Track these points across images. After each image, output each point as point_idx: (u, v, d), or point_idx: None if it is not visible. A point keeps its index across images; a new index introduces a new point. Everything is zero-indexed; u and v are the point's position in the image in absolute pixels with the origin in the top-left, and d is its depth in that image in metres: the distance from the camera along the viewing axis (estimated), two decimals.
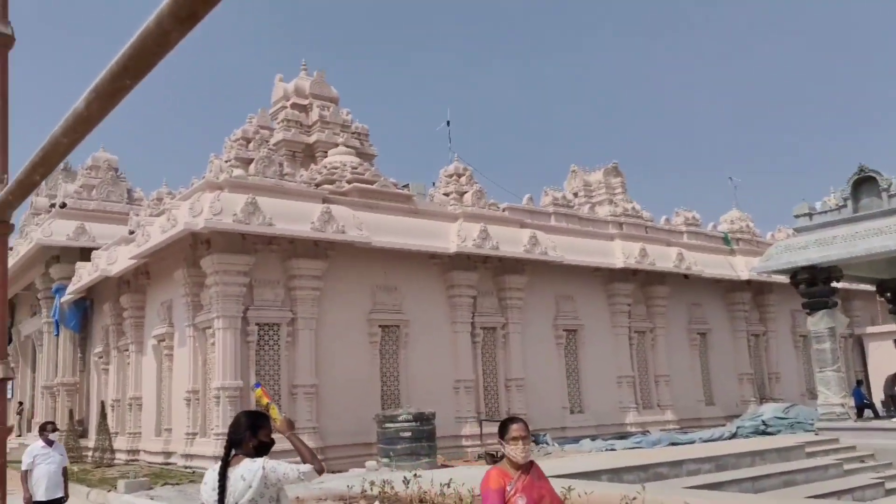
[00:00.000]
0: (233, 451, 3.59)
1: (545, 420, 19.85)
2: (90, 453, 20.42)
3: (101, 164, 26.26)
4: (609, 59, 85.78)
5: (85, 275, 21.24)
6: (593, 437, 20.64)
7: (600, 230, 22.66)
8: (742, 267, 25.28)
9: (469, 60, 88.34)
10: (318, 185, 18.66)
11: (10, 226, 3.26)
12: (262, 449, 3.57)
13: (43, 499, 8.64)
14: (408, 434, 15.46)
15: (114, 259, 19.94)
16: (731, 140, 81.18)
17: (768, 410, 22.44)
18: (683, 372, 24.03)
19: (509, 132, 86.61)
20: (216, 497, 3.44)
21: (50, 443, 8.90)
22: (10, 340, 33.06)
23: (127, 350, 20.79)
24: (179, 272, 17.17)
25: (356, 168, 19.48)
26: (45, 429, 8.99)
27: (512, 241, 19.60)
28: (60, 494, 8.83)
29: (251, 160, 17.38)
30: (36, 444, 8.93)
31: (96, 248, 22.77)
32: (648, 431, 22.08)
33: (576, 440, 20.24)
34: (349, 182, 18.68)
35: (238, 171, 16.51)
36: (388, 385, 18.13)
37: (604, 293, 22.55)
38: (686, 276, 24.11)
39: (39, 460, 8.69)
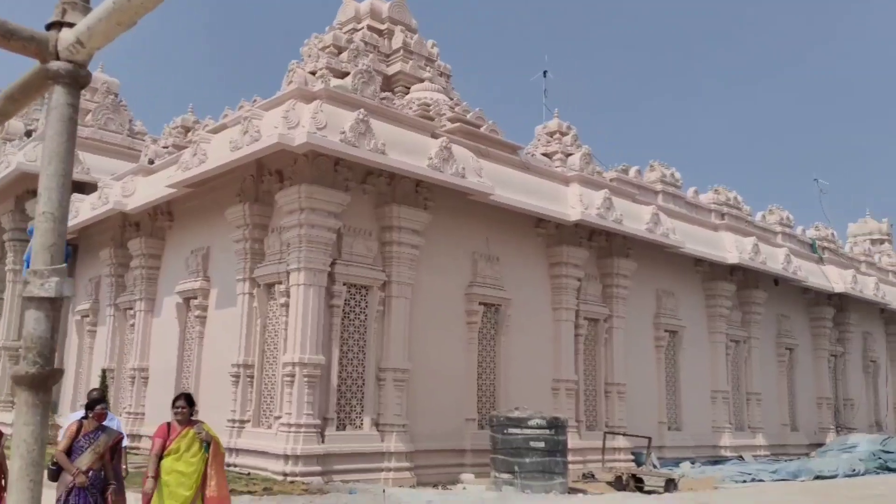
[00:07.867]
0: None
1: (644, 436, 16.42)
2: None
3: (100, 86, 21.66)
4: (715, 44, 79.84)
5: (85, 209, 16.75)
6: (692, 461, 17.41)
7: (703, 218, 19.45)
8: (836, 278, 22.50)
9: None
10: None
11: None
12: None
13: None
14: (540, 445, 11.83)
15: (131, 191, 15.60)
16: (809, 140, 75.39)
17: (863, 442, 19.70)
18: (771, 391, 20.99)
19: (608, 96, 78.71)
20: None
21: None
22: None
23: (131, 308, 16.42)
24: (234, 210, 13.08)
25: (453, 108, 15.72)
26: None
27: (634, 217, 16.15)
28: None
29: (343, 74, 13.45)
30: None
31: (90, 183, 18.35)
32: (742, 457, 19.00)
33: (675, 462, 16.94)
34: (451, 121, 14.90)
35: (337, 82, 12.55)
36: (483, 379, 14.38)
37: (703, 292, 19.31)
38: (776, 283, 21.15)
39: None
